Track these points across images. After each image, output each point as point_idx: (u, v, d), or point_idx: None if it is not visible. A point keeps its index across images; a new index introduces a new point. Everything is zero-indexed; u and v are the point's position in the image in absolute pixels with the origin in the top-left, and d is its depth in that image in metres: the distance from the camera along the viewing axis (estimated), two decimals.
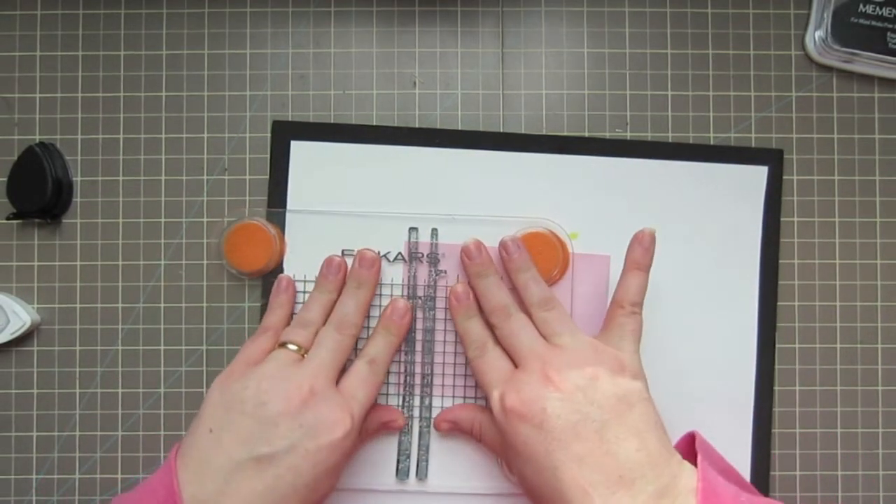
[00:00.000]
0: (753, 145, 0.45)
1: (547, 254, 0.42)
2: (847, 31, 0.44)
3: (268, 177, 0.44)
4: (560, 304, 0.40)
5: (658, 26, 0.45)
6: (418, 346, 0.43)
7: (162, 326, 0.44)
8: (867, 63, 0.44)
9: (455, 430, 0.43)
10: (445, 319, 0.44)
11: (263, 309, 0.44)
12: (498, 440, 0.39)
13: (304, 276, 0.44)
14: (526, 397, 0.36)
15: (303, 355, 0.38)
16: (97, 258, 0.44)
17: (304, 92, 0.45)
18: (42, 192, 0.43)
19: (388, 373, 0.43)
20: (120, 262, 0.44)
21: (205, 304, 0.44)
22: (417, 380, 0.44)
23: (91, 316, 0.44)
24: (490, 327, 0.41)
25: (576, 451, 0.34)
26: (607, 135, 0.45)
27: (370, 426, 0.42)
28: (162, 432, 0.44)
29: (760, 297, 0.44)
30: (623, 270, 0.40)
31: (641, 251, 0.40)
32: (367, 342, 0.41)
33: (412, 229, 0.44)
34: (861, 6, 0.44)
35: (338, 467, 0.37)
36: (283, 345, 0.39)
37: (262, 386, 0.36)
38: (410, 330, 0.43)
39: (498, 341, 0.40)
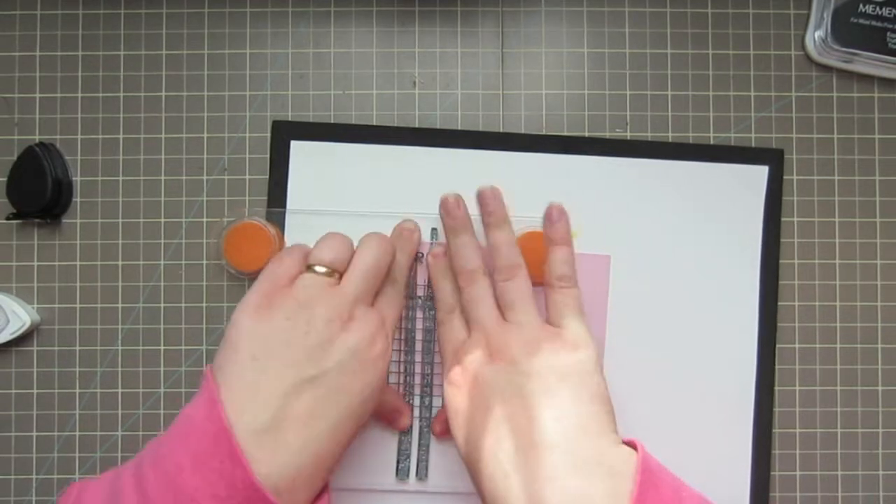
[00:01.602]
0: (753, 145, 0.45)
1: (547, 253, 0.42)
2: (847, 31, 0.44)
3: (268, 177, 0.44)
4: (525, 274, 0.40)
5: (658, 26, 0.45)
6: (418, 346, 0.43)
7: (162, 326, 0.44)
8: (867, 63, 0.44)
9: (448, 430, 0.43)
10: None
11: None
12: None
13: None
14: (463, 367, 0.37)
15: (337, 279, 0.37)
16: (97, 258, 0.44)
17: (304, 92, 0.45)
18: (42, 192, 0.43)
19: (389, 373, 0.43)
20: (120, 262, 0.44)
21: (205, 304, 0.44)
22: (417, 380, 0.44)
23: (91, 316, 0.44)
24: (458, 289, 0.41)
25: (496, 416, 0.34)
26: (607, 135, 0.45)
27: (386, 405, 0.42)
28: (162, 433, 0.44)
29: (761, 297, 0.44)
30: (547, 251, 0.41)
31: (552, 227, 0.41)
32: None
33: None
34: (861, 6, 0.44)
35: (379, 389, 0.37)
36: (310, 267, 0.37)
37: (301, 314, 0.34)
38: (411, 329, 0.43)
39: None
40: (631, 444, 0.34)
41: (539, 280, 0.41)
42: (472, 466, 0.36)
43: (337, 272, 0.37)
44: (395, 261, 0.40)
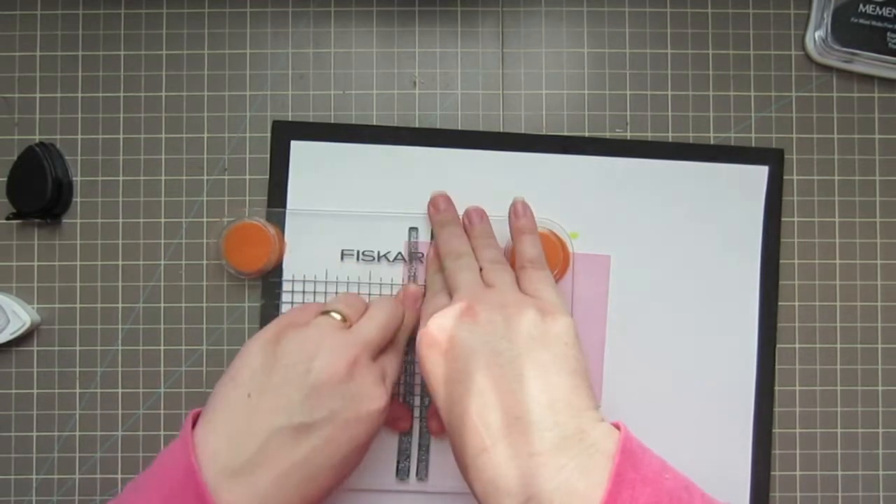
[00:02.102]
0: (753, 145, 0.45)
1: (547, 254, 0.42)
2: (847, 31, 0.44)
3: (268, 177, 0.44)
4: (509, 268, 0.40)
5: (658, 26, 0.45)
6: None
7: (162, 326, 0.44)
8: (867, 63, 0.44)
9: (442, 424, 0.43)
10: None
11: (263, 309, 0.44)
12: None
13: (304, 277, 0.44)
14: (440, 324, 0.35)
15: (348, 325, 0.37)
16: (97, 258, 0.44)
17: (304, 92, 0.45)
18: (42, 192, 0.43)
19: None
20: (120, 262, 0.44)
21: (205, 304, 0.44)
22: (417, 380, 0.44)
23: (91, 316, 0.44)
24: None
25: (477, 383, 0.33)
26: (607, 135, 0.45)
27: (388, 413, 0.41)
28: (162, 432, 0.44)
29: (761, 297, 0.44)
30: (512, 241, 0.41)
31: (518, 220, 0.41)
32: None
33: (412, 229, 0.44)
34: (861, 6, 0.44)
35: (367, 444, 0.35)
36: (325, 312, 0.37)
37: (308, 351, 0.34)
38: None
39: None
40: (615, 426, 0.33)
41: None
42: (453, 432, 0.34)
43: (350, 321, 0.37)
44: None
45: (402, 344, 0.40)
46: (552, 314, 0.36)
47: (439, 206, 0.42)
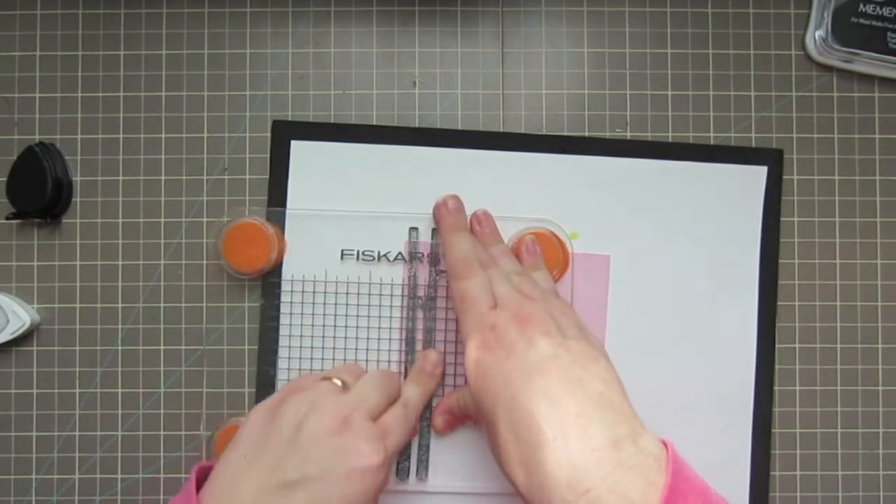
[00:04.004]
0: (753, 145, 0.45)
1: (547, 254, 0.43)
2: (847, 31, 0.44)
3: (268, 177, 0.44)
4: (531, 275, 0.41)
5: (658, 26, 0.45)
6: (418, 346, 0.43)
7: (162, 326, 0.44)
8: (867, 63, 0.44)
9: (452, 421, 0.43)
10: (446, 319, 0.44)
11: (263, 309, 0.44)
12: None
13: (304, 277, 0.44)
14: (497, 336, 0.36)
15: (347, 388, 0.38)
16: (97, 258, 0.44)
17: (304, 92, 0.45)
18: (42, 192, 0.43)
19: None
20: (120, 262, 0.44)
21: (204, 304, 0.44)
22: None
23: (91, 316, 0.44)
24: None
25: (537, 384, 0.34)
26: (607, 135, 0.45)
27: None
28: (162, 432, 0.44)
29: (760, 296, 0.44)
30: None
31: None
32: (404, 385, 0.41)
33: (412, 229, 0.44)
34: (861, 6, 0.44)
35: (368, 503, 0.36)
36: (328, 378, 0.38)
37: (301, 410, 0.35)
38: (411, 329, 0.43)
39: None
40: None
41: None
42: (506, 430, 0.34)
43: (349, 386, 0.38)
44: (414, 390, 0.41)
45: (411, 409, 0.40)
46: (585, 334, 0.38)
47: (450, 208, 0.42)
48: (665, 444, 0.33)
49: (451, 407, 0.43)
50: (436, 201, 0.43)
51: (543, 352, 0.35)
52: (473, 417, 0.42)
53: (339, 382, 0.38)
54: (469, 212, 0.43)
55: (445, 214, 0.42)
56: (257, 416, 0.36)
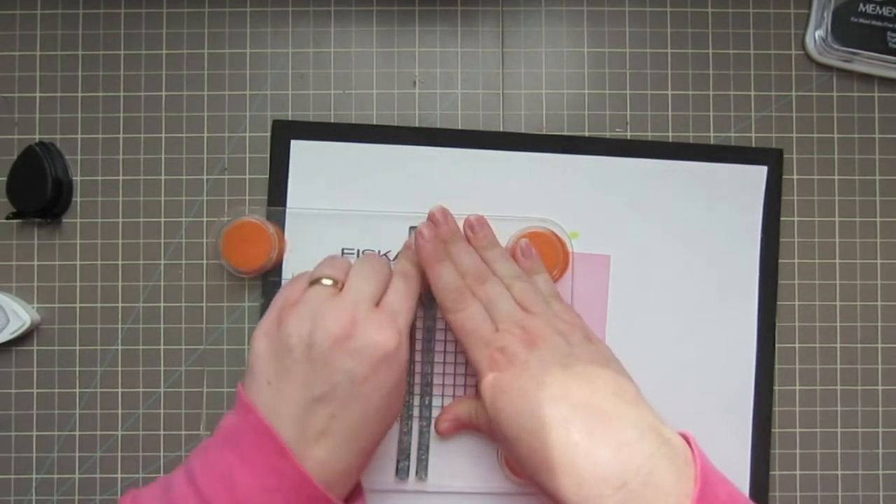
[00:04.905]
0: (753, 145, 0.45)
1: (547, 254, 0.42)
2: (847, 31, 0.44)
3: (268, 176, 0.44)
4: (529, 280, 0.40)
5: (658, 26, 0.45)
6: (418, 346, 0.43)
7: (162, 326, 0.44)
8: (867, 62, 0.44)
9: (457, 427, 0.43)
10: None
11: (263, 309, 0.44)
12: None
13: None
14: (508, 357, 0.37)
15: (339, 288, 0.37)
16: (97, 258, 0.44)
17: (304, 92, 0.45)
18: (42, 192, 0.43)
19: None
20: (120, 262, 0.44)
21: (204, 304, 0.44)
22: (417, 379, 0.44)
23: (91, 315, 0.44)
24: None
25: (554, 390, 0.35)
26: (607, 135, 0.45)
27: None
28: (162, 432, 0.44)
29: (760, 296, 0.44)
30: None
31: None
32: (396, 261, 0.41)
33: (412, 229, 0.44)
34: (861, 6, 0.44)
35: (399, 386, 0.36)
36: (316, 281, 0.37)
37: (304, 328, 0.35)
38: (411, 333, 0.43)
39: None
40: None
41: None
42: (531, 439, 0.35)
43: (340, 282, 0.37)
44: (409, 256, 0.40)
45: (412, 278, 0.39)
46: (594, 337, 0.39)
47: (438, 222, 0.40)
48: (686, 438, 0.34)
49: (460, 415, 0.42)
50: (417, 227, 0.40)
51: (555, 365, 0.36)
52: (483, 431, 0.42)
53: (329, 283, 0.37)
54: (469, 212, 0.43)
55: (423, 245, 0.39)
56: (261, 344, 0.36)
